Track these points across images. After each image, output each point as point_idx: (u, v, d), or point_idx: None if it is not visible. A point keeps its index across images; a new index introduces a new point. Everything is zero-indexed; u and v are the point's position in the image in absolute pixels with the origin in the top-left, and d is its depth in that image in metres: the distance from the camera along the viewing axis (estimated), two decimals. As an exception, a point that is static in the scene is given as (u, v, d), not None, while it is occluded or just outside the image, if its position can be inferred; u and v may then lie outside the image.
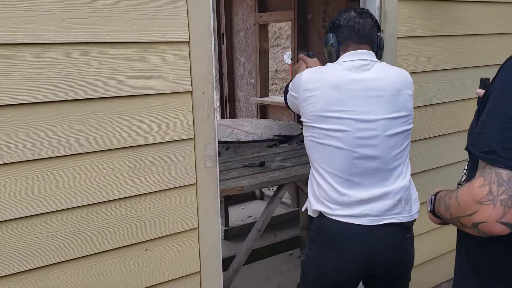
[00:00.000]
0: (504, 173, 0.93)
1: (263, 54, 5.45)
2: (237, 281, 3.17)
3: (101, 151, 1.64)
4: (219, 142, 3.89)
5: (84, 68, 1.57)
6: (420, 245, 2.57)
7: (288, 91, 1.90)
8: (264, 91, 5.53)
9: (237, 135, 4.10)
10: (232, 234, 4.02)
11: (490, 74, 2.85)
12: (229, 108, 6.07)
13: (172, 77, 1.73)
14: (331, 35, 1.82)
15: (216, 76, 5.97)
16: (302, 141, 4.14)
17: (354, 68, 1.72)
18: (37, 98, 1.50)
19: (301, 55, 2.07)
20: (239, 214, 4.54)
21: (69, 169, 1.60)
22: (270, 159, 2.78)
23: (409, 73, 2.48)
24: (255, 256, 3.42)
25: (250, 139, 3.93)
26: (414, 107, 2.54)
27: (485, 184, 0.95)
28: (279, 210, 4.58)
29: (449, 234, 2.66)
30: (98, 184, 1.66)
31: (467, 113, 2.80)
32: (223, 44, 5.96)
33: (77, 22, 1.53)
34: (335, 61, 1.80)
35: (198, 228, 1.87)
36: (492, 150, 0.96)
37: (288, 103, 1.93)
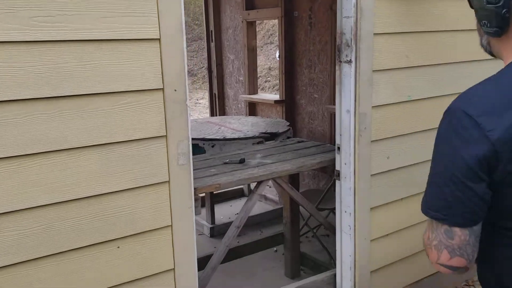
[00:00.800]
0: (433, 222, 1.07)
1: (251, 52, 5.45)
2: (220, 278, 3.19)
3: (71, 149, 1.64)
4: (206, 139, 3.90)
5: (52, 66, 1.57)
6: (378, 249, 2.61)
7: None
8: (253, 88, 5.53)
9: (223, 133, 4.11)
10: (218, 231, 4.02)
11: (470, 70, 2.87)
12: (218, 106, 6.07)
13: (142, 74, 1.73)
14: None
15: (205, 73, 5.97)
16: (288, 137, 4.18)
17: None
18: (5, 96, 1.51)
19: None
20: (227, 212, 4.55)
21: (39, 167, 1.60)
22: (251, 156, 2.79)
23: (387, 70, 2.53)
24: (239, 252, 3.44)
25: (236, 137, 3.93)
26: (392, 104, 2.59)
27: (426, 231, 1.10)
28: (266, 207, 4.59)
29: (406, 238, 2.68)
30: (69, 181, 1.66)
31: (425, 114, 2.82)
32: (212, 41, 5.96)
33: (44, 20, 1.54)
34: None
35: (171, 225, 1.88)
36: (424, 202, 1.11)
37: None
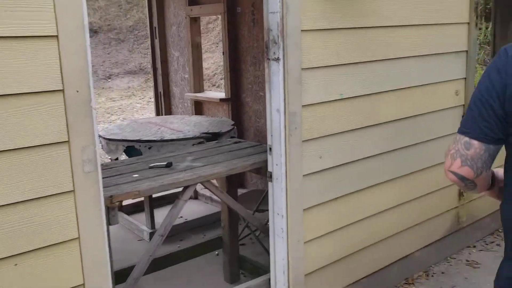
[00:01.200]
0: (457, 135, 1.27)
1: (196, 48, 5.30)
2: (153, 286, 3.05)
3: (-46, 159, 1.47)
4: (141, 141, 3.74)
5: None
6: (312, 251, 2.55)
7: None
8: (198, 86, 5.39)
9: (162, 133, 3.95)
10: (159, 236, 3.87)
11: (407, 67, 2.84)
12: (164, 105, 5.89)
13: (38, 75, 1.58)
14: None
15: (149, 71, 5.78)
16: (232, 137, 4.06)
17: None
18: None
19: None
20: (170, 214, 4.39)
21: None
22: (181, 159, 2.66)
23: (317, 67, 2.45)
24: (180, 258, 3.31)
25: (175, 137, 3.79)
26: (324, 102, 2.52)
27: (450, 143, 1.30)
28: (212, 209, 4.47)
29: (343, 238, 2.64)
30: (-46, 195, 1.49)
31: (382, 107, 2.78)
32: (156, 38, 5.76)
33: None
34: None
35: (79, 238, 1.73)
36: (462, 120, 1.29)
37: None
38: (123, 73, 15.43)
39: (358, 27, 2.56)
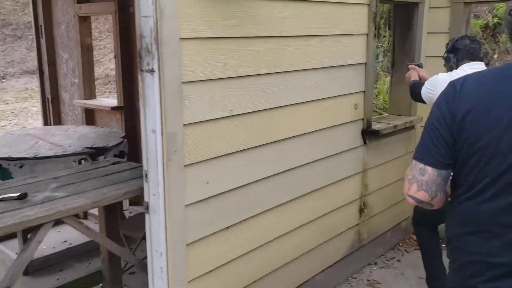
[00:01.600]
0: (413, 161, 1.37)
1: (86, 51, 4.79)
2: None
3: None
4: (11, 159, 3.21)
5: None
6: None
7: (418, 88, 2.87)
8: (89, 92, 4.87)
9: (38, 149, 3.44)
10: (34, 267, 3.36)
11: (301, 80, 2.63)
12: (53, 112, 5.29)
13: None
14: (452, 55, 2.77)
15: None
16: (121, 152, 3.64)
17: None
18: None
19: (412, 65, 3.14)
20: (53, 240, 3.86)
21: None
22: (43, 187, 2.23)
23: (201, 81, 2.14)
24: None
25: (53, 154, 3.30)
26: (210, 120, 2.22)
27: (406, 171, 1.40)
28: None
29: (235, 271, 2.37)
30: None
31: (279, 123, 2.54)
32: (42, 38, 5.15)
33: None
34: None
35: None
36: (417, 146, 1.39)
37: (423, 97, 2.82)
38: (20, 73, 14.19)
39: (250, 37, 2.29)
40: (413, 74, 3.08)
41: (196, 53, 2.07)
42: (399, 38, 3.63)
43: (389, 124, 3.37)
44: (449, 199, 1.41)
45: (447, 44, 2.88)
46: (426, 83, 2.81)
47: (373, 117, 3.59)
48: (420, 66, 3.16)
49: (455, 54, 2.75)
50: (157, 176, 2.04)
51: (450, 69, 2.80)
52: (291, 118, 2.62)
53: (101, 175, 2.45)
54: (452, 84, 1.34)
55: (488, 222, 1.26)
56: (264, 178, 2.50)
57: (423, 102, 2.88)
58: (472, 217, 1.30)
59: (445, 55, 2.85)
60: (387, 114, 3.84)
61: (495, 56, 9.20)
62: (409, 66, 3.16)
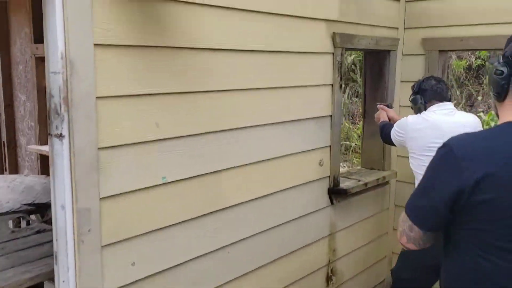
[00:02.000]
0: (404, 214, 1.41)
1: (43, 93, 4.49)
2: None
3: None
4: None
5: None
6: None
7: (388, 129, 2.76)
8: (45, 137, 4.54)
9: (-30, 205, 3.08)
10: None
11: (255, 137, 2.33)
12: (8, 157, 4.93)
13: None
14: (419, 96, 2.64)
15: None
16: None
17: (445, 114, 2.49)
18: None
19: (381, 105, 3.00)
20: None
21: None
22: None
23: (124, 145, 1.81)
24: None
25: (-16, 212, 2.94)
26: (136, 191, 1.90)
27: (401, 216, 1.45)
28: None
29: None
30: None
31: (227, 187, 2.23)
32: (-1, 78, 4.86)
33: None
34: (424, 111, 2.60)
35: None
36: (409, 203, 1.42)
37: (393, 139, 2.72)
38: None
39: (185, 92, 2.00)
40: (382, 115, 2.99)
41: (119, 113, 1.77)
42: (371, 87, 3.37)
43: (359, 181, 3.07)
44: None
45: (413, 85, 2.74)
46: (395, 125, 2.71)
47: (343, 172, 3.29)
48: (389, 106, 3.04)
49: (422, 95, 2.65)
50: (67, 259, 1.69)
51: (418, 111, 2.67)
52: (241, 181, 2.30)
53: (16, 249, 2.09)
54: (447, 152, 1.29)
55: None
56: (207, 253, 2.16)
57: (393, 144, 2.78)
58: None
59: (412, 97, 2.72)
60: (359, 167, 3.55)
61: (479, 98, 9.08)
62: (378, 106, 3.05)
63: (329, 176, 2.87)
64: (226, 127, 2.19)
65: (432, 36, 3.23)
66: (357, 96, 9.97)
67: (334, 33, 2.71)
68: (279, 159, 2.51)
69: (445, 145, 1.31)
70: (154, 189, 1.92)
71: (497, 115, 1.38)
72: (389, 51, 3.24)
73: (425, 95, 2.62)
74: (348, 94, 9.96)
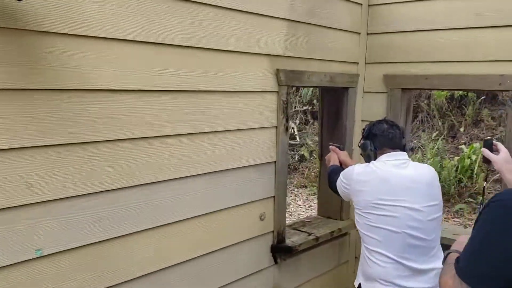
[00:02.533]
0: (457, 277, 1.15)
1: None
2: None
3: None
4: None
5: None
6: None
7: (335, 176, 2.36)
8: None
9: None
10: None
11: (172, 192, 1.92)
12: None
13: None
14: (368, 142, 2.27)
15: None
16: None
17: (396, 166, 2.15)
18: None
19: (333, 147, 2.63)
20: None
21: None
22: None
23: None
24: None
25: None
26: (5, 267, 1.52)
27: (447, 277, 1.20)
28: None
29: None
30: None
31: (138, 256, 1.86)
32: None
33: None
34: (374, 161, 2.23)
35: None
36: (464, 267, 1.15)
37: (339, 190, 2.34)
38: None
39: (77, 143, 1.64)
40: (332, 157, 2.59)
41: (-28, 173, 1.41)
42: (328, 127, 3.04)
43: (309, 235, 2.71)
44: None
45: (363, 129, 2.37)
46: (341, 174, 2.32)
47: (294, 223, 2.93)
48: (341, 148, 2.64)
49: (372, 141, 2.26)
50: None
51: (367, 158, 2.29)
52: (156, 246, 1.93)
53: None
54: (504, 207, 1.10)
55: None
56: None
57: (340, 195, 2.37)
58: None
59: (361, 142, 2.33)
60: (315, 215, 3.19)
61: (461, 129, 8.83)
62: (330, 147, 2.66)
63: (273, 232, 2.51)
64: (135, 183, 1.82)
65: (395, 72, 2.92)
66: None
67: (278, 69, 2.38)
68: (207, 216, 2.15)
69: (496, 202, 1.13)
70: (27, 264, 1.55)
71: None
72: (347, 88, 2.92)
73: (375, 141, 2.24)
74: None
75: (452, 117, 8.95)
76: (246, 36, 2.20)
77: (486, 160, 1.96)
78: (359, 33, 2.98)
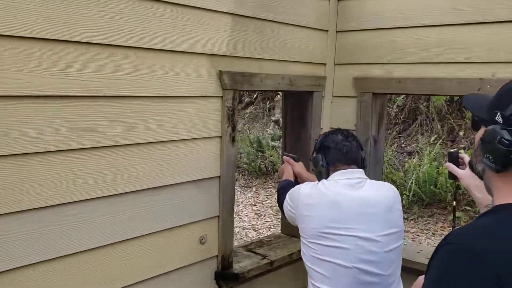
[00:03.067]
0: None
1: None
2: None
3: None
4: None
5: None
6: None
7: (283, 195, 1.98)
8: None
9: None
10: None
11: (84, 216, 1.61)
12: None
13: None
14: (320, 156, 1.91)
15: None
16: None
17: (350, 186, 1.80)
18: None
19: (287, 157, 2.25)
20: None
21: None
22: None
23: None
24: None
25: None
26: None
27: None
28: None
29: None
30: None
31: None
32: None
33: None
34: (326, 179, 1.87)
35: None
36: None
37: (285, 213, 1.96)
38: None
39: None
40: (286, 170, 2.23)
41: None
42: (291, 136, 2.73)
43: (263, 258, 2.39)
44: None
45: (316, 139, 2.04)
46: (287, 194, 1.95)
47: (251, 243, 2.62)
48: (295, 159, 2.25)
49: (324, 155, 1.91)
50: None
51: (319, 176, 1.94)
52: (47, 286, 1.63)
53: None
54: (474, 252, 0.92)
55: None
56: None
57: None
58: None
59: (313, 156, 1.98)
60: (278, 233, 2.88)
61: (461, 133, 8.46)
62: (283, 157, 2.30)
63: (217, 256, 2.20)
64: (26, 207, 1.52)
65: (365, 75, 2.60)
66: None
67: (221, 71, 2.07)
68: (135, 241, 1.84)
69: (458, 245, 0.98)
70: None
71: (486, 187, 1.13)
72: (311, 92, 2.60)
73: (327, 155, 1.90)
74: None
75: (452, 120, 8.60)
76: (179, 32, 1.89)
77: (453, 176, 1.63)
78: (327, 31, 2.66)
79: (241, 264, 2.30)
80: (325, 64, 2.69)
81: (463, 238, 0.98)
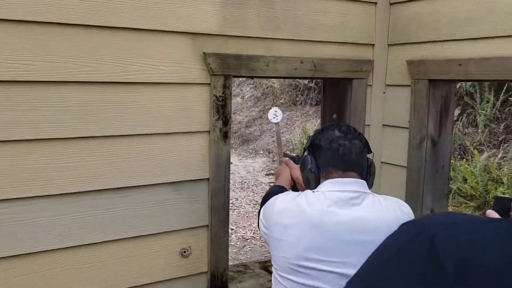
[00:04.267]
0: None
1: None
2: None
3: None
4: None
5: None
6: None
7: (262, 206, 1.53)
8: None
9: None
10: None
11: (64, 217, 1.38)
12: None
13: None
14: (309, 158, 1.45)
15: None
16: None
17: (341, 201, 1.33)
18: None
19: (286, 159, 1.79)
20: None
21: None
22: None
23: None
24: None
25: None
26: None
27: None
28: None
29: None
30: None
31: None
32: None
33: None
34: (314, 188, 1.42)
35: None
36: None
37: (260, 230, 1.50)
38: None
39: None
40: (282, 173, 1.73)
41: None
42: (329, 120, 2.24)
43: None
44: None
45: (308, 137, 1.63)
46: (262, 209, 1.50)
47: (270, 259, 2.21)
48: (296, 160, 1.74)
49: (315, 156, 1.44)
50: None
51: (306, 183, 1.46)
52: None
53: None
54: (428, 240, 0.86)
55: None
56: None
57: None
58: None
59: (303, 157, 1.50)
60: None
61: None
62: (282, 158, 1.87)
63: (206, 273, 1.87)
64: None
65: (421, 57, 2.00)
66: (475, 125, 8.16)
67: (205, 53, 1.73)
68: (106, 245, 1.63)
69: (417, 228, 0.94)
70: None
71: None
72: (351, 79, 2.09)
73: (318, 156, 1.43)
74: (464, 122, 8.12)
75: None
76: (147, 5, 1.60)
77: None
78: (375, 3, 2.11)
79: (240, 284, 1.93)
80: (372, 45, 2.15)
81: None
